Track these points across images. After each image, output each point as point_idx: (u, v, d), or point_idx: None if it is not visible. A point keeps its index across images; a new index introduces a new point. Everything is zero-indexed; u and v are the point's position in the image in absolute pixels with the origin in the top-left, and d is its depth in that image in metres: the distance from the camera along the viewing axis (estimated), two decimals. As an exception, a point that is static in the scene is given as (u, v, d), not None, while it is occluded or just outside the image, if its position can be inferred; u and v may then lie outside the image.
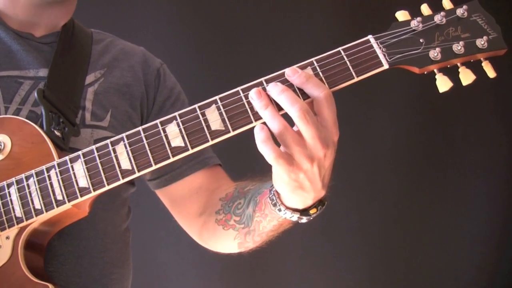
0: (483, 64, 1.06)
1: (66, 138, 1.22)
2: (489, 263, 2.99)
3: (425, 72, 1.07)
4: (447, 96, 1.07)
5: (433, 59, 1.04)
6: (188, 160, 1.43)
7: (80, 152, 1.10)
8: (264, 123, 1.01)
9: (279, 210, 1.11)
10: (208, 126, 1.04)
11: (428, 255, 2.96)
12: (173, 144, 1.05)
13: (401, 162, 2.96)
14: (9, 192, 1.12)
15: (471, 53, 1.04)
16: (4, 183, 1.13)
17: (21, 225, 1.10)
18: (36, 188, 1.10)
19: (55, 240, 1.20)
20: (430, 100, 2.76)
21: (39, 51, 1.33)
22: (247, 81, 1.06)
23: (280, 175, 1.03)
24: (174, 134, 1.05)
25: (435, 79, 1.06)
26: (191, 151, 1.05)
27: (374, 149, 2.94)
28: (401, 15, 1.08)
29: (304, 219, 1.11)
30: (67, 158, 1.10)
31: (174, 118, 1.06)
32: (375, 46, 1.05)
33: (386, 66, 1.05)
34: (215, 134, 1.04)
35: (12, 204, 1.11)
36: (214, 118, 1.04)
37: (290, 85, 1.03)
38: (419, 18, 1.07)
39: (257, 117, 1.03)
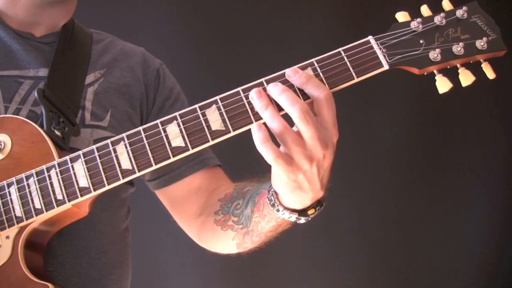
0: (482, 65, 1.06)
1: (66, 137, 1.22)
2: (489, 263, 2.98)
3: (425, 73, 1.07)
4: (447, 96, 1.07)
5: (433, 60, 1.05)
6: (187, 161, 1.43)
7: (80, 152, 1.10)
8: (264, 123, 1.01)
9: (278, 210, 1.11)
10: (209, 126, 1.04)
11: (428, 255, 2.96)
12: (173, 144, 1.05)
13: (401, 162, 2.96)
14: (9, 191, 1.12)
15: (471, 54, 1.04)
16: (4, 182, 1.13)
17: (21, 224, 1.11)
18: (36, 188, 1.10)
19: (54, 240, 1.20)
20: (430, 100, 2.76)
21: (39, 51, 1.33)
22: (247, 81, 1.06)
23: (279, 175, 1.03)
24: (174, 134, 1.05)
25: (435, 80, 1.06)
26: (191, 151, 1.05)
27: (374, 149, 2.94)
28: (401, 16, 1.09)
29: (303, 220, 1.11)
30: (67, 157, 1.10)
31: (175, 118, 1.06)
32: (375, 47, 1.05)
33: (386, 67, 1.05)
34: (215, 134, 1.04)
35: (12, 203, 1.11)
36: (214, 118, 1.04)
37: (291, 86, 1.03)
38: (419, 19, 1.07)
39: (258, 117, 1.03)
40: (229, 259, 1.44)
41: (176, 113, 1.06)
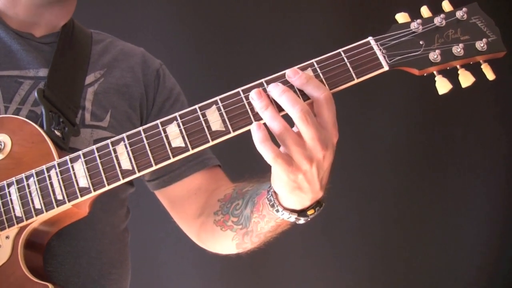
0: (482, 66, 1.06)
1: (66, 138, 1.22)
2: (489, 263, 2.98)
3: (425, 74, 1.07)
4: (447, 96, 1.07)
5: (432, 61, 1.05)
6: (187, 161, 1.43)
7: (80, 152, 1.10)
8: (264, 123, 1.01)
9: (277, 211, 1.11)
10: (209, 127, 1.04)
11: (428, 255, 2.96)
12: (173, 145, 1.05)
13: (401, 162, 2.96)
14: (9, 191, 1.12)
15: (471, 56, 1.04)
16: (4, 182, 1.13)
17: (21, 224, 1.11)
18: (36, 188, 1.10)
19: (54, 240, 1.20)
20: (430, 100, 2.76)
21: (39, 51, 1.33)
22: (247, 82, 1.06)
23: (279, 176, 1.03)
24: (174, 135, 1.05)
25: (435, 81, 1.06)
26: (191, 152, 1.05)
27: (374, 149, 2.94)
28: (401, 17, 1.09)
29: (302, 220, 1.11)
30: (67, 158, 1.10)
31: (175, 118, 1.06)
32: (375, 47, 1.06)
33: (386, 67, 1.05)
34: (215, 134, 1.04)
35: (12, 203, 1.11)
36: (214, 119, 1.04)
37: (291, 86, 1.03)
38: (419, 20, 1.07)
39: (258, 118, 1.03)
40: (229, 259, 1.44)
41: (176, 114, 1.06)
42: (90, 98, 1.33)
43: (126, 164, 1.07)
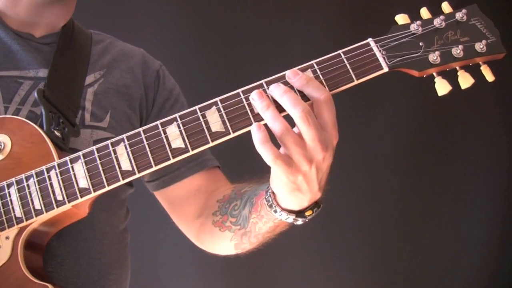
0: (481, 68, 1.06)
1: (66, 138, 1.22)
2: (489, 263, 2.98)
3: (424, 75, 1.07)
4: (447, 96, 1.07)
5: (432, 62, 1.05)
6: (186, 162, 1.43)
7: (80, 153, 1.10)
8: (263, 124, 1.01)
9: (275, 211, 1.11)
10: (209, 128, 1.04)
11: (428, 255, 2.96)
12: (173, 145, 1.05)
13: (401, 162, 2.96)
14: (9, 192, 1.12)
15: (470, 57, 1.05)
16: (4, 183, 1.13)
17: (21, 225, 1.11)
18: (36, 189, 1.10)
19: (54, 241, 1.20)
20: (430, 100, 2.75)
21: (39, 51, 1.33)
22: (247, 82, 1.06)
23: (279, 177, 1.03)
24: (174, 136, 1.05)
25: (434, 83, 1.06)
26: (191, 153, 1.05)
27: (374, 149, 2.94)
28: (401, 19, 1.09)
29: (300, 221, 1.12)
30: (67, 158, 1.10)
31: (175, 119, 1.06)
32: (375, 49, 1.06)
33: (385, 69, 1.05)
34: (215, 135, 1.04)
35: (12, 204, 1.11)
36: (214, 120, 1.04)
37: (291, 87, 1.03)
38: (418, 22, 1.07)
39: (257, 119, 1.03)
40: (229, 260, 1.44)
41: (176, 115, 1.06)
42: (90, 98, 1.34)
43: (126, 164, 1.07)
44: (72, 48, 1.37)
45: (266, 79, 1.05)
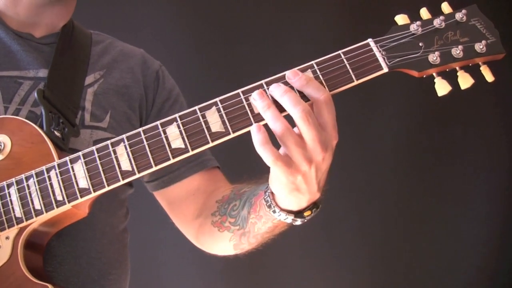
0: (481, 68, 1.06)
1: (66, 138, 1.22)
2: (489, 263, 2.98)
3: (424, 76, 1.07)
4: (447, 96, 1.07)
5: (432, 63, 1.05)
6: (186, 162, 1.43)
7: (80, 153, 1.10)
8: (263, 124, 1.01)
9: (274, 211, 1.11)
10: (209, 128, 1.04)
11: (428, 255, 2.96)
12: (173, 146, 1.05)
13: (401, 162, 2.96)
14: (9, 192, 1.12)
15: (470, 57, 1.05)
16: (4, 183, 1.13)
17: (21, 225, 1.11)
18: (36, 189, 1.10)
19: (54, 241, 1.20)
20: (430, 100, 2.75)
21: (39, 51, 1.34)
22: (247, 82, 1.06)
23: (278, 177, 1.03)
24: (174, 136, 1.05)
25: (434, 83, 1.06)
26: (191, 153, 1.05)
27: (374, 149, 2.94)
28: (401, 19, 1.09)
29: (299, 221, 1.12)
30: (67, 158, 1.10)
31: (175, 119, 1.06)
32: (375, 49, 1.06)
33: (385, 69, 1.05)
34: (215, 136, 1.04)
35: (12, 204, 1.11)
36: (214, 120, 1.04)
37: (291, 88, 1.03)
38: (418, 22, 1.07)
39: (258, 119, 1.03)
40: (229, 260, 1.44)
41: (176, 115, 1.06)
42: (89, 98, 1.34)
43: (126, 165, 1.07)
44: (72, 48, 1.37)
45: (266, 79, 1.05)
